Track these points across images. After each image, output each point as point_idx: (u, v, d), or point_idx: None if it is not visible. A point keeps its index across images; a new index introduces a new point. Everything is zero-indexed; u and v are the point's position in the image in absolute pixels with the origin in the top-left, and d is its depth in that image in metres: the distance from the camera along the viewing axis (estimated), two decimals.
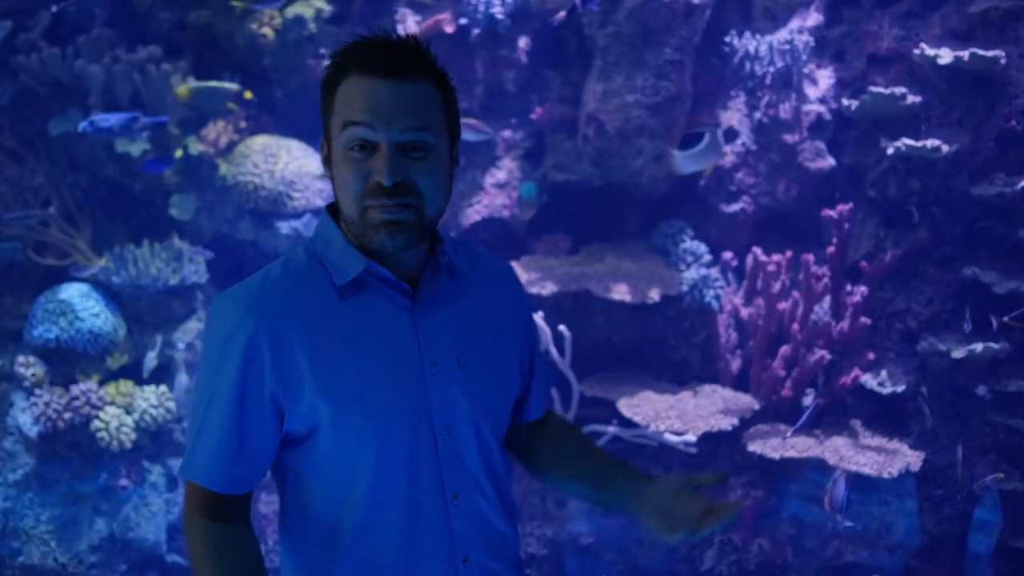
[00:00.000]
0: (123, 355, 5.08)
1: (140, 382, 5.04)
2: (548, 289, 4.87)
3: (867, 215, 5.00)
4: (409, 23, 5.08)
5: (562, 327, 4.75)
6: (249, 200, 5.11)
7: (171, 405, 5.03)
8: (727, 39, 5.00)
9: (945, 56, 4.53)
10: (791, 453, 4.69)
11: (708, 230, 5.20)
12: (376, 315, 1.63)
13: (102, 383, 4.99)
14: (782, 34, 4.96)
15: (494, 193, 5.23)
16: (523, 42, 5.11)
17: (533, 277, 4.95)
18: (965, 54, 4.49)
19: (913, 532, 5.03)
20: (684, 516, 1.67)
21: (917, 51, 4.61)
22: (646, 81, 4.79)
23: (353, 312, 1.62)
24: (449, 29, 5.01)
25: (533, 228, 5.26)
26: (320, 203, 5.21)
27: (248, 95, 5.02)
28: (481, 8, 4.93)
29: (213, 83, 5.05)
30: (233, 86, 5.04)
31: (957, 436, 4.80)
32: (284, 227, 5.12)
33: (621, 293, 4.76)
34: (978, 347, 4.62)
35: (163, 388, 5.04)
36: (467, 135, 5.01)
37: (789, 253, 4.87)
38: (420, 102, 1.58)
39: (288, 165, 5.10)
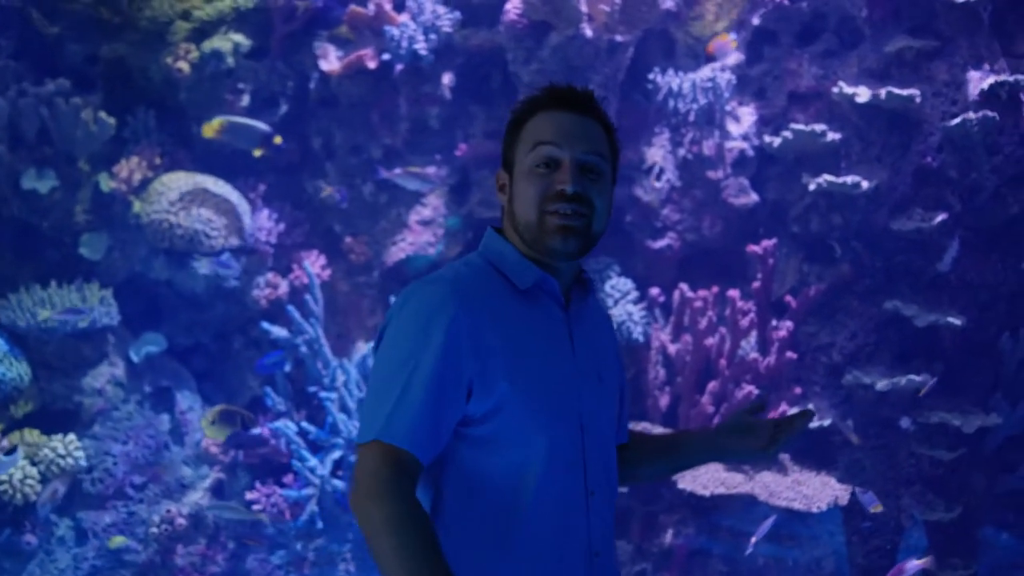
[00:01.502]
0: (28, 402, 4.82)
1: (46, 430, 4.78)
2: None
3: (791, 250, 5.05)
4: (331, 58, 4.99)
5: None
6: (164, 239, 4.92)
7: (80, 455, 4.79)
8: (651, 76, 5.03)
9: (862, 94, 4.61)
10: (721, 490, 4.66)
11: (635, 266, 5.19)
12: (544, 320, 1.82)
13: (5, 432, 4.72)
14: (704, 72, 5.00)
15: (419, 230, 5.14)
16: (447, 78, 5.06)
17: None
18: (882, 92, 4.58)
19: (843, 564, 5.05)
20: (763, 435, 1.95)
21: (835, 89, 4.69)
22: None
23: (528, 313, 1.81)
24: (371, 64, 4.93)
25: None
26: (238, 241, 5.06)
27: (278, 140, 4.89)
28: (404, 44, 4.87)
29: (245, 120, 4.90)
30: (264, 127, 4.90)
31: (883, 468, 4.84)
32: (201, 266, 4.94)
33: None
34: (901, 380, 4.67)
35: (71, 437, 4.80)
36: (411, 184, 4.94)
37: (716, 289, 4.88)
38: (597, 134, 1.82)
39: (205, 202, 4.94)
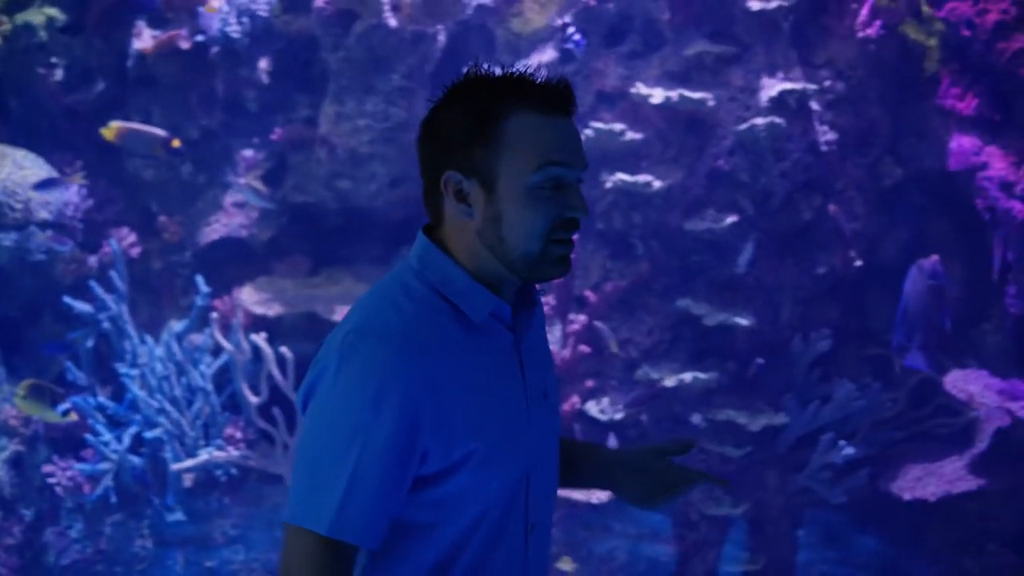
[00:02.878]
0: None
1: None
2: (275, 311, 4.84)
3: (597, 247, 5.14)
4: (145, 36, 5.02)
5: (284, 348, 4.71)
6: None
7: None
8: (464, 70, 5.08)
9: (657, 96, 4.72)
10: None
11: None
12: (494, 351, 1.62)
13: None
14: (517, 68, 5.07)
15: (233, 212, 5.18)
16: (264, 62, 5.10)
17: (262, 298, 4.92)
18: (675, 94, 4.69)
19: (635, 555, 5.16)
20: (658, 486, 1.78)
21: (633, 90, 4.79)
22: (376, 106, 4.84)
23: (479, 348, 1.59)
24: (185, 45, 4.97)
25: (273, 249, 5.22)
26: (46, 215, 5.07)
27: (176, 143, 4.87)
28: (217, 26, 4.90)
29: (141, 127, 4.91)
30: (161, 132, 4.90)
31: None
32: (4, 238, 4.96)
33: (344, 316, 4.76)
34: (688, 377, 4.79)
35: None
36: (249, 196, 4.99)
37: None
38: None
39: (10, 175, 4.95)
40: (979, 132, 4.97)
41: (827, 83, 4.85)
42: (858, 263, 4.94)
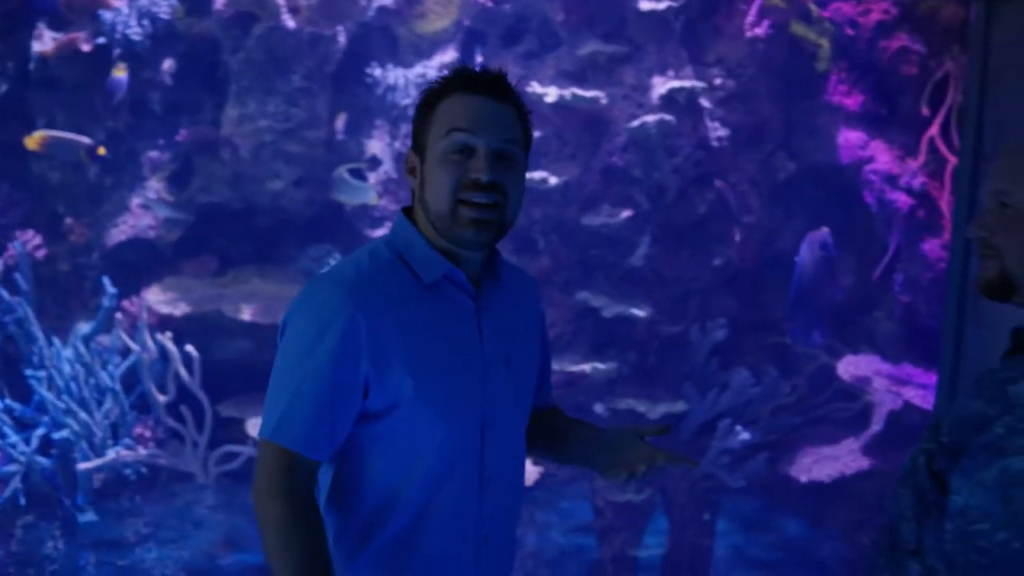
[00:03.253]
0: None
1: None
2: (181, 310, 4.89)
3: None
4: (45, 38, 5.04)
5: (189, 347, 4.77)
6: None
7: None
8: (368, 70, 5.19)
9: (551, 94, 4.85)
10: None
11: None
12: (450, 313, 1.81)
13: None
14: (418, 68, 5.18)
15: (140, 214, 5.22)
16: (167, 64, 5.14)
17: (169, 298, 4.97)
18: (568, 93, 4.82)
19: (545, 544, 5.29)
20: (627, 461, 1.92)
21: (529, 89, 4.91)
22: (277, 107, 4.91)
23: (432, 307, 1.79)
24: (85, 48, 5.00)
25: (181, 249, 5.27)
26: None
27: (102, 151, 4.90)
28: (118, 28, 4.94)
29: (66, 135, 4.91)
30: (86, 140, 4.91)
31: None
32: None
33: (251, 314, 4.84)
34: (589, 367, 4.93)
35: None
36: (160, 209, 5.05)
37: None
38: (512, 120, 1.79)
39: None
40: (865, 127, 5.18)
41: (718, 81, 5.01)
42: (753, 251, 5.12)
